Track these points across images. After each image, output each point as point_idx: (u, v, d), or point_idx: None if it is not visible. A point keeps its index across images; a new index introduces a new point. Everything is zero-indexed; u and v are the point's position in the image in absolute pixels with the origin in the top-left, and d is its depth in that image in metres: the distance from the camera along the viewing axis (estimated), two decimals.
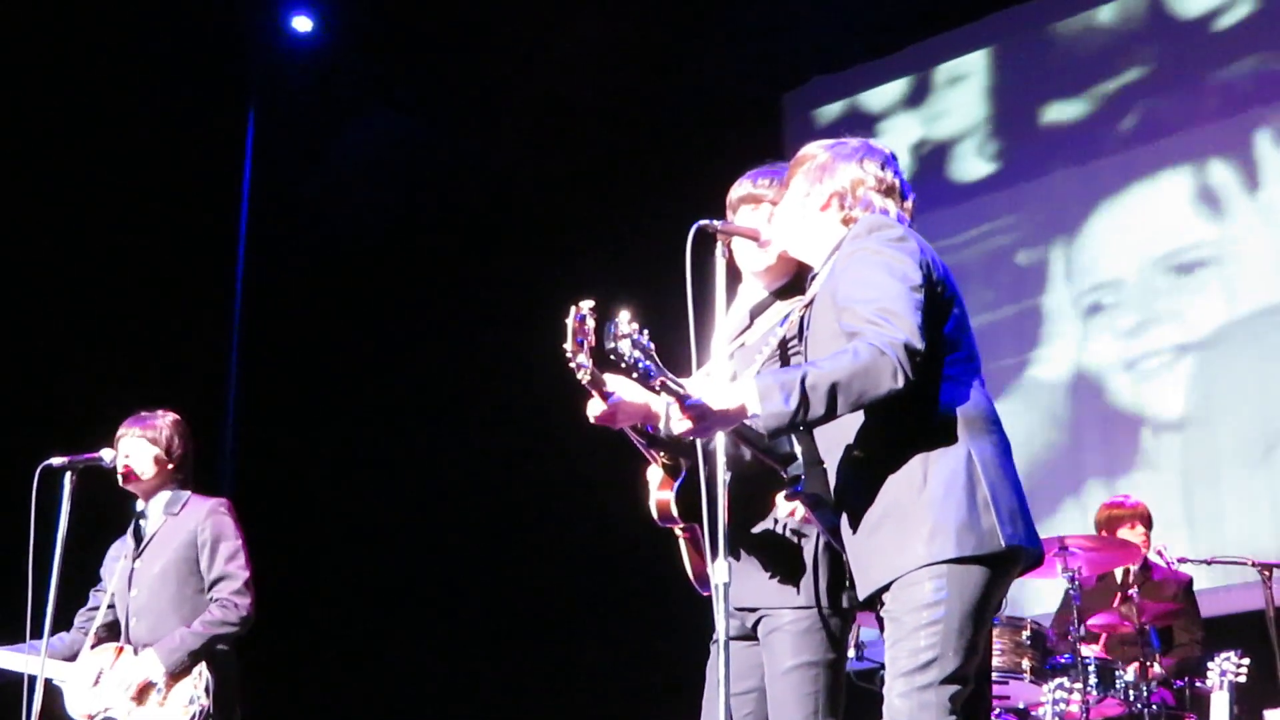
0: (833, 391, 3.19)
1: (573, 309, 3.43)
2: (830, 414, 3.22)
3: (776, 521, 3.69)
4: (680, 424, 3.29)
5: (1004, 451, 3.41)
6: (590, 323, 3.44)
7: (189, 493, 5.56)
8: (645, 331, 3.27)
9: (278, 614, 6.01)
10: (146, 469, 5.47)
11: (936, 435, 3.33)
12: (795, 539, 3.68)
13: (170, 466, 5.52)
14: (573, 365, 3.46)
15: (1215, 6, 8.89)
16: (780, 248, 3.78)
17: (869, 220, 3.53)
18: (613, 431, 3.82)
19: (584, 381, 3.53)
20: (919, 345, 3.24)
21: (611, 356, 3.23)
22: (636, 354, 3.24)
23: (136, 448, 5.48)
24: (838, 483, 3.48)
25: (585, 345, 3.44)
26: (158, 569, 5.41)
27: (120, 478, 5.45)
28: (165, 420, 5.57)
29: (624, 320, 3.24)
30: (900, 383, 3.20)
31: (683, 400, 3.25)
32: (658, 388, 3.28)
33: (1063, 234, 9.13)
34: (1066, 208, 9.16)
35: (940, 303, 3.41)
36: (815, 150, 3.70)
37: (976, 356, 3.50)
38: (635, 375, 3.25)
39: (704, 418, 3.26)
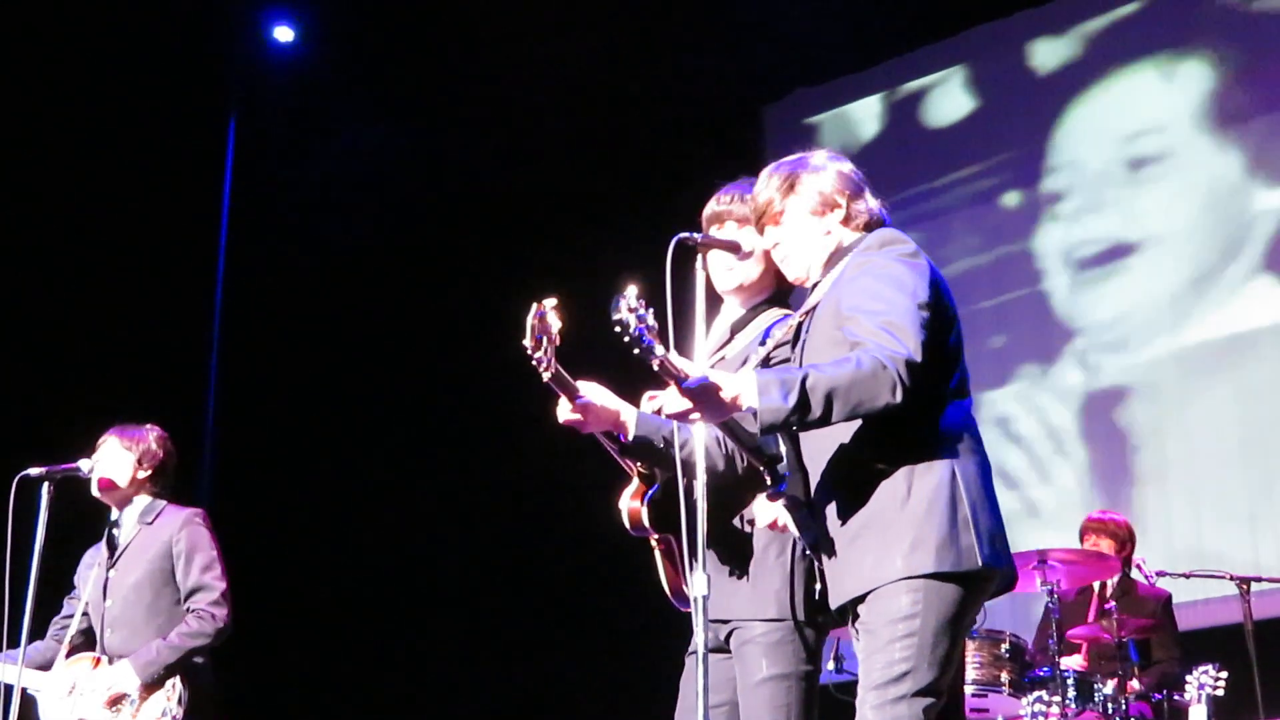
0: (830, 396, 3.18)
1: (534, 305, 3.42)
2: (826, 418, 3.21)
3: (749, 529, 3.68)
4: (676, 405, 3.26)
5: (985, 473, 3.42)
6: (552, 320, 3.43)
7: (164, 503, 5.54)
8: (651, 310, 3.25)
9: (256, 625, 5.99)
10: (120, 476, 5.47)
11: (922, 451, 3.34)
12: (768, 550, 3.67)
13: (143, 477, 5.51)
14: (533, 362, 3.45)
15: None
16: (778, 259, 3.73)
17: (882, 234, 3.54)
18: (592, 441, 3.80)
19: (546, 379, 3.51)
20: (920, 363, 3.25)
21: (616, 329, 3.20)
22: (641, 328, 3.21)
23: (113, 454, 5.48)
24: (819, 490, 3.47)
25: (546, 342, 3.43)
26: (132, 580, 5.40)
27: (94, 485, 5.44)
28: (150, 433, 5.57)
29: (631, 294, 3.22)
30: (898, 398, 3.20)
31: (679, 382, 3.22)
32: (656, 366, 3.25)
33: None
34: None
35: (943, 322, 3.42)
36: (781, 170, 3.68)
37: (968, 378, 3.52)
38: (638, 350, 3.21)
39: (699, 399, 3.23)
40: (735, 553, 3.71)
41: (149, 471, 5.53)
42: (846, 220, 3.61)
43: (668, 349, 3.24)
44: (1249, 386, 8.26)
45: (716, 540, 3.61)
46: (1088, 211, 9.08)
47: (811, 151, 3.76)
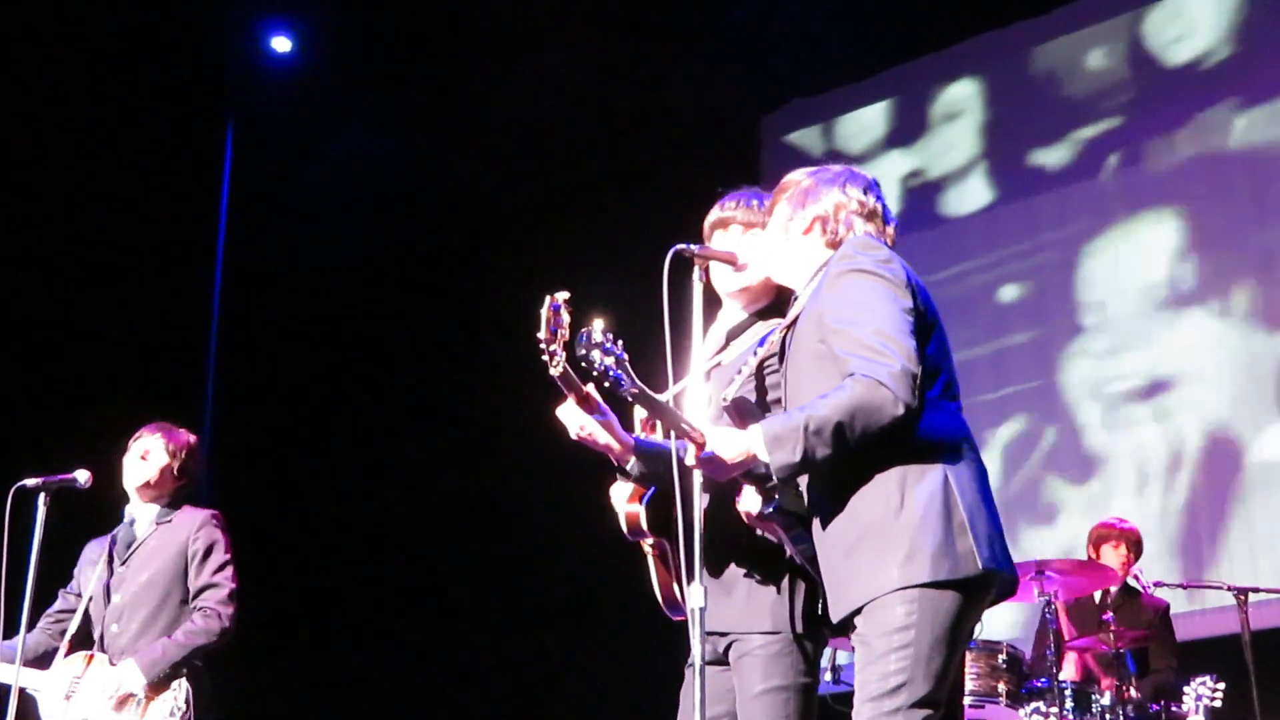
0: (838, 431, 3.22)
1: (547, 299, 3.42)
2: (839, 452, 3.24)
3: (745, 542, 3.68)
4: (692, 463, 3.36)
5: (980, 476, 3.40)
6: (565, 315, 3.42)
7: (181, 505, 5.56)
8: (619, 341, 3.26)
9: (255, 628, 5.97)
10: (153, 474, 5.48)
11: (914, 458, 3.32)
12: (766, 562, 3.66)
13: (177, 480, 5.55)
14: (545, 356, 3.44)
15: (1198, 54, 8.96)
16: (763, 272, 3.79)
17: (855, 241, 3.54)
18: (577, 441, 3.79)
19: (554, 373, 3.50)
20: (915, 369, 3.25)
21: (583, 364, 3.22)
22: (609, 362, 3.27)
23: (155, 450, 5.49)
24: (812, 503, 3.47)
25: (559, 336, 3.43)
26: (145, 578, 5.40)
27: (136, 477, 5.44)
28: (189, 439, 5.62)
29: (597, 329, 3.26)
30: (901, 410, 3.22)
31: (699, 448, 3.32)
32: (630, 399, 3.27)
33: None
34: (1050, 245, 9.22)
35: (924, 326, 3.41)
36: (798, 176, 3.72)
37: (955, 381, 3.50)
38: (606, 384, 3.27)
39: (716, 471, 3.35)
40: (730, 565, 3.69)
41: (181, 475, 5.57)
42: (834, 239, 3.61)
43: (664, 369, 3.26)
44: (1251, 393, 8.27)
45: (711, 552, 3.60)
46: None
47: (829, 165, 3.76)
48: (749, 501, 3.51)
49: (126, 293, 9.17)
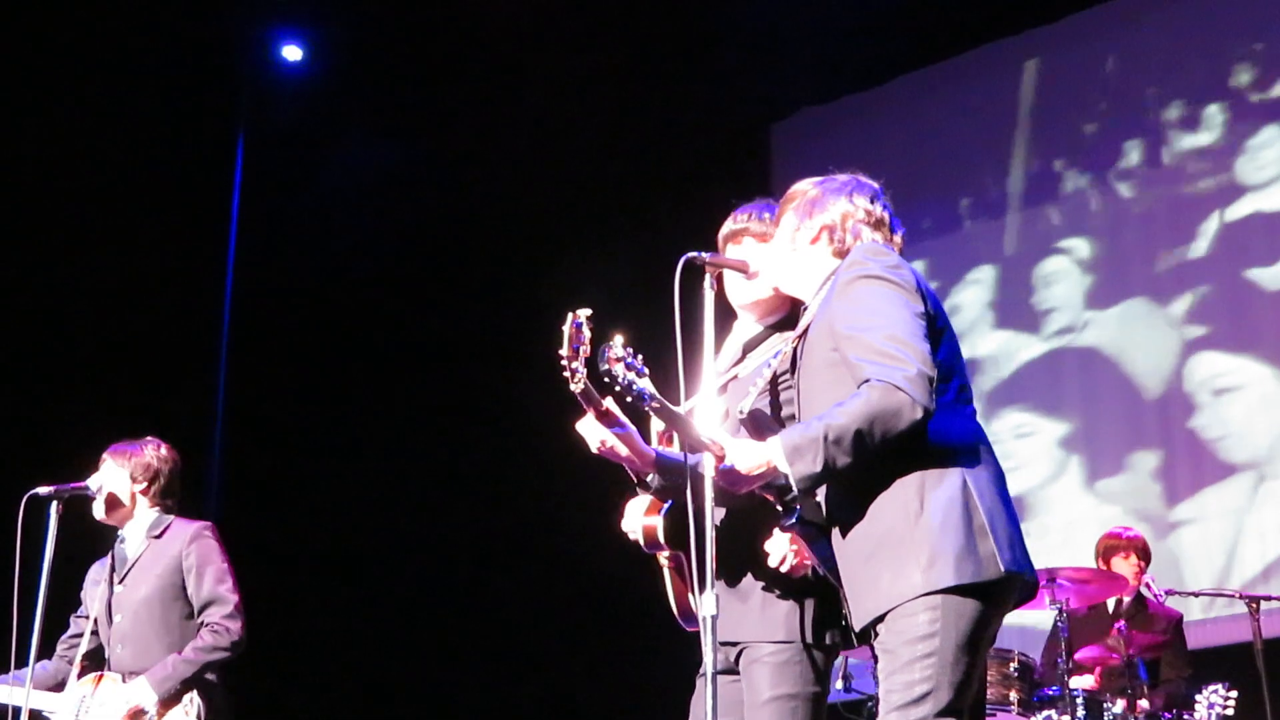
0: (858, 439, 3.21)
1: (569, 315, 3.43)
2: (859, 460, 3.23)
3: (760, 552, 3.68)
4: (712, 476, 3.36)
5: (998, 478, 3.39)
6: (586, 332, 3.43)
7: (172, 517, 5.52)
8: (639, 355, 3.27)
9: (265, 639, 5.98)
10: (119, 494, 5.45)
11: (931, 463, 3.31)
12: (781, 575, 3.66)
13: (146, 493, 5.49)
14: (566, 373, 3.45)
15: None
16: (772, 282, 3.79)
17: (864, 248, 3.53)
18: (597, 455, 3.79)
19: (576, 390, 3.51)
20: (931, 372, 3.25)
21: (605, 379, 3.23)
22: (630, 376, 3.28)
23: (110, 474, 5.46)
24: (830, 512, 3.46)
25: (580, 353, 3.44)
26: (141, 595, 5.37)
27: (98, 509, 5.42)
28: (145, 446, 5.55)
29: (618, 344, 3.27)
30: (919, 414, 3.22)
31: (718, 460, 3.33)
32: (653, 411, 3.28)
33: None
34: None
35: (935, 331, 3.41)
36: (805, 186, 3.72)
37: (969, 384, 3.50)
38: (629, 399, 3.27)
39: (735, 483, 3.34)
40: (746, 576, 3.69)
41: (144, 484, 5.48)
42: (842, 248, 3.61)
43: (675, 378, 3.26)
44: (1257, 401, 8.26)
45: (727, 563, 3.60)
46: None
47: (836, 174, 3.76)
48: (777, 556, 3.56)
49: (137, 302, 9.18)
